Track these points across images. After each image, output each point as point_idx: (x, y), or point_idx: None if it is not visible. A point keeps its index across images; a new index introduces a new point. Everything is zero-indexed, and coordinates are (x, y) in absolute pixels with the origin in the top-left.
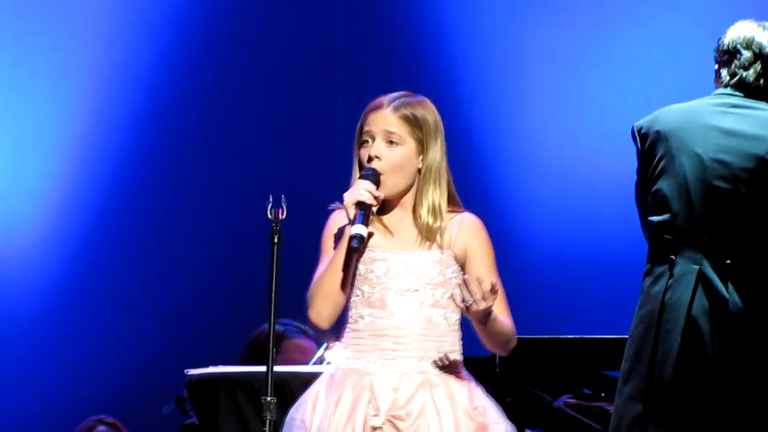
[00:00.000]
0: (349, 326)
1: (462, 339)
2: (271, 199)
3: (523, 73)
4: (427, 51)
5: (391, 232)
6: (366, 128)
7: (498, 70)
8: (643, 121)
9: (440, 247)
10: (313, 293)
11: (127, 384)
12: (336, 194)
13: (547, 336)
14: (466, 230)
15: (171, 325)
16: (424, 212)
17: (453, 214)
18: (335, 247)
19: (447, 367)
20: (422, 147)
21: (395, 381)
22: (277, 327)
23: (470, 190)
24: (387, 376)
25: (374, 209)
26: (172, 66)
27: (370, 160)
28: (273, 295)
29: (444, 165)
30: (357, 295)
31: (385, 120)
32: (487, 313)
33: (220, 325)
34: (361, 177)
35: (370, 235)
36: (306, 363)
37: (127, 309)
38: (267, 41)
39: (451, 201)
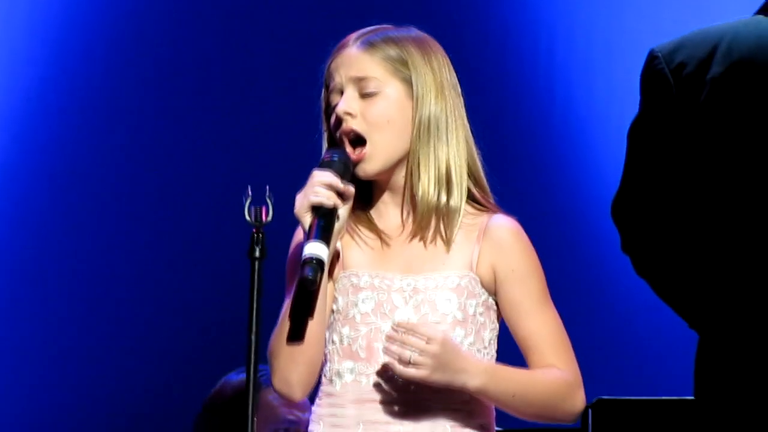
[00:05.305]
0: (322, 389)
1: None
2: (249, 194)
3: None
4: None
5: (383, 243)
6: (330, 81)
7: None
8: (670, 45)
9: (461, 266)
10: (273, 351)
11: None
12: None
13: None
14: (493, 241)
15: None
16: (429, 186)
17: (475, 214)
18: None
19: None
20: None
21: None
22: (242, 377)
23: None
24: None
25: (342, 212)
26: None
27: (338, 123)
28: (253, 336)
29: (457, 112)
30: (333, 343)
31: (352, 61)
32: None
33: (178, 381)
34: (319, 166)
35: (335, 258)
36: (298, 424)
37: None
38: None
39: (476, 188)
